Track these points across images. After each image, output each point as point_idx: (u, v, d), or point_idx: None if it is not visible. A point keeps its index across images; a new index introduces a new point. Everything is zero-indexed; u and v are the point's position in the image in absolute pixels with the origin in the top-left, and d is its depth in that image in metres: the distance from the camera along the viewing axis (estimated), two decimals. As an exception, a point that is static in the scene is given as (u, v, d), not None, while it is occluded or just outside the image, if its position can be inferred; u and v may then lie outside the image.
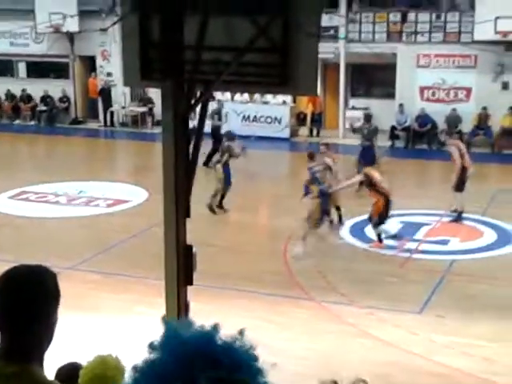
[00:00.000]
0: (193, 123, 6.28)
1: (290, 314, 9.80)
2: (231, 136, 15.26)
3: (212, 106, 18.30)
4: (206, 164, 16.93)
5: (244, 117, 24.42)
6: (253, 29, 5.65)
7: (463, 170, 14.03)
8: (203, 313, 7.37)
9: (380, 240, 12.60)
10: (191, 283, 6.18)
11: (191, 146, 6.14)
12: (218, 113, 19.98)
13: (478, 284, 10.93)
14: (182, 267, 6.07)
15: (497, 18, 20.30)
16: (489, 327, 9.31)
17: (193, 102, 6.06)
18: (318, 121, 24.55)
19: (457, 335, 9.07)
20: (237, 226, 14.03)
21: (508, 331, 9.19)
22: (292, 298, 10.38)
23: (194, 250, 6.19)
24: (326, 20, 23.00)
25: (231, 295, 10.37)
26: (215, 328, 1.68)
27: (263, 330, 8.75)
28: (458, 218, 14.04)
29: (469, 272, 11.45)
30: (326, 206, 12.45)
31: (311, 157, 13.08)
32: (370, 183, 12.63)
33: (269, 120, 24.21)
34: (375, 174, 12.69)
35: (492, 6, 20.62)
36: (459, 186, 14.02)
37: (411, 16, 23.04)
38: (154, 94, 23.36)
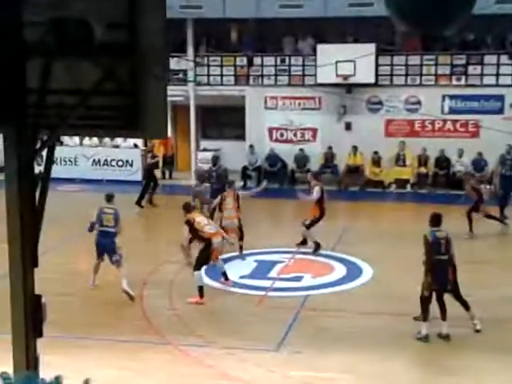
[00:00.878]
0: (39, 169, 6.05)
1: (149, 360, 9.60)
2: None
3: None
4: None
5: (94, 161, 23.99)
6: (99, 72, 5.56)
7: (322, 210, 14.61)
8: (55, 365, 7.05)
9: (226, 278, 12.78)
10: (41, 335, 5.89)
11: (37, 193, 5.91)
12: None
13: (331, 318, 11.22)
14: (29, 318, 5.78)
15: (337, 61, 21.34)
16: (343, 359, 9.57)
17: (38, 146, 5.85)
18: (170, 163, 24.56)
19: (313, 370, 9.24)
20: (90, 272, 13.61)
21: (360, 361, 9.48)
22: (150, 344, 10.17)
23: (43, 300, 5.91)
24: (174, 63, 23.27)
25: (86, 344, 10.01)
26: (58, 380, 1.59)
27: (120, 378, 8.50)
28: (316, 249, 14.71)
29: (322, 306, 11.75)
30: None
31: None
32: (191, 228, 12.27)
33: (120, 163, 23.94)
34: (197, 219, 12.37)
35: (332, 51, 21.70)
36: (312, 225, 14.56)
37: (257, 60, 23.75)
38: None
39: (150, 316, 11.24)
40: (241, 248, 14.58)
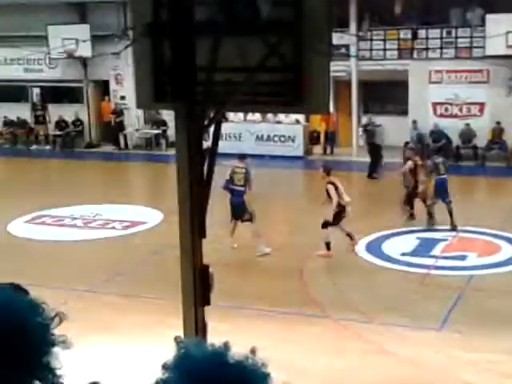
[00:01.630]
0: (206, 144, 6.30)
1: (308, 333, 9.75)
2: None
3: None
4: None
5: (258, 136, 24.49)
6: (264, 49, 5.68)
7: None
8: (220, 333, 7.37)
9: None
10: (208, 303, 6.18)
11: (205, 167, 6.16)
12: None
13: (498, 299, 10.82)
14: (198, 288, 6.08)
15: (508, 32, 20.30)
16: (510, 341, 9.22)
17: (206, 122, 6.09)
18: (331, 139, 24.56)
19: (477, 351, 8.99)
20: (255, 245, 13.98)
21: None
22: (311, 317, 10.33)
23: (210, 270, 6.19)
24: (336, 38, 23.07)
25: (249, 314, 10.35)
26: (226, 346, 1.68)
27: (280, 348, 8.72)
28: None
29: (488, 287, 11.37)
30: None
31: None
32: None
33: (282, 139, 24.26)
34: (338, 184, 13.01)
35: (503, 21, 20.65)
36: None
37: (422, 33, 23.07)
38: (168, 116, 23.53)
39: (310, 289, 11.40)
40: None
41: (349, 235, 13.20)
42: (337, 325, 10.03)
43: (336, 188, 12.85)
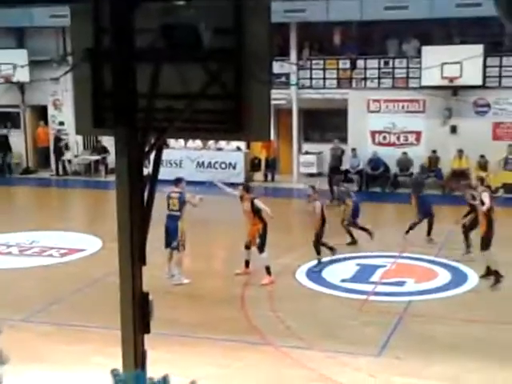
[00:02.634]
0: (147, 170, 6.27)
1: (249, 360, 9.71)
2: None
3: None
4: None
5: (198, 163, 24.50)
6: (205, 76, 5.71)
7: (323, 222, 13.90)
8: (160, 361, 7.28)
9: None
10: (148, 331, 6.10)
11: (146, 194, 6.12)
12: None
13: (435, 324, 11.01)
14: (138, 315, 6.00)
15: (443, 63, 20.90)
16: (447, 367, 9.36)
17: (147, 149, 6.07)
18: (272, 166, 24.75)
19: (415, 376, 9.10)
20: (194, 272, 13.91)
21: (464, 370, 9.25)
22: (251, 344, 10.30)
23: (150, 297, 6.12)
24: (277, 67, 23.42)
25: (189, 342, 10.25)
26: (165, 380, 1.67)
27: (221, 376, 8.65)
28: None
29: (426, 313, 11.55)
30: None
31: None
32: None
33: (223, 166, 24.33)
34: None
35: (438, 53, 21.26)
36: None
37: (360, 63, 23.57)
38: (108, 142, 23.35)
39: (251, 316, 11.37)
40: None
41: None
42: (277, 352, 10.02)
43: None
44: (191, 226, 13.92)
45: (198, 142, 24.66)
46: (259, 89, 5.80)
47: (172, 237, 12.94)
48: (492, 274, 12.82)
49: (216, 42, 5.68)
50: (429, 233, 15.84)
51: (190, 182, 17.43)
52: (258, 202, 13.19)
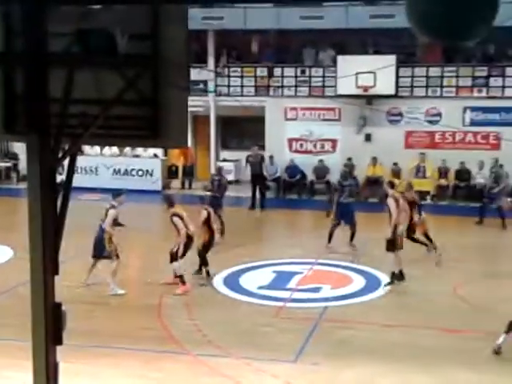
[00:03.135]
0: (61, 177, 6.11)
1: (166, 369, 9.61)
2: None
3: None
4: None
5: (115, 170, 24.14)
6: (121, 82, 5.62)
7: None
8: (74, 373, 7.10)
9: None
10: (60, 343, 5.93)
11: (59, 202, 5.97)
12: None
13: (350, 329, 11.17)
14: (50, 326, 5.83)
15: (357, 73, 21.34)
16: (361, 371, 9.51)
17: (60, 155, 5.92)
18: (189, 173, 24.65)
19: (331, 382, 9.20)
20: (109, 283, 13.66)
21: (378, 374, 9.41)
22: (168, 353, 10.18)
23: (63, 308, 5.96)
24: (195, 74, 23.39)
25: (104, 353, 10.04)
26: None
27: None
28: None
29: (341, 318, 11.71)
30: None
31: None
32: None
33: (140, 173, 24.07)
34: (184, 214, 13.10)
35: (353, 62, 21.70)
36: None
37: (277, 71, 23.81)
38: (19, 148, 22.70)
39: (168, 325, 11.25)
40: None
41: None
42: (195, 360, 9.94)
43: (181, 219, 12.87)
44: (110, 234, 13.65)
45: (115, 149, 24.32)
46: (176, 95, 5.76)
47: (100, 246, 12.83)
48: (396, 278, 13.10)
49: (132, 47, 5.60)
50: (351, 239, 16.06)
51: (105, 190, 17.22)
52: (177, 221, 12.94)
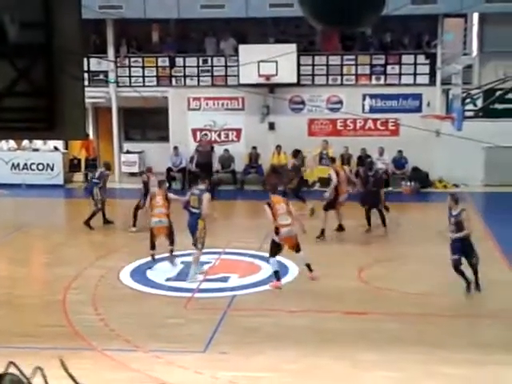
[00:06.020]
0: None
1: (73, 367, 9.37)
2: None
3: None
4: None
5: (13, 165, 23.38)
6: (13, 73, 5.41)
7: None
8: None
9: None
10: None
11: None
12: None
13: (258, 317, 11.25)
14: None
15: (259, 61, 21.44)
16: (269, 357, 9.60)
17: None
18: (92, 166, 24.14)
19: (240, 370, 9.25)
20: (11, 279, 13.26)
21: (285, 360, 9.52)
22: (74, 350, 9.95)
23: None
24: (94, 64, 22.92)
25: (8, 353, 9.69)
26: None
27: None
28: None
29: (248, 306, 11.78)
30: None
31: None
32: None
33: (40, 167, 23.40)
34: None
35: (254, 51, 21.78)
36: None
37: (179, 61, 23.62)
38: None
39: (73, 321, 11.01)
40: (171, 252, 14.17)
41: None
42: (103, 356, 9.77)
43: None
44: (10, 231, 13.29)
45: (12, 143, 23.55)
46: (72, 85, 5.59)
47: (192, 232, 13.00)
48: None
49: (24, 36, 5.40)
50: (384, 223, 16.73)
51: (3, 185, 16.70)
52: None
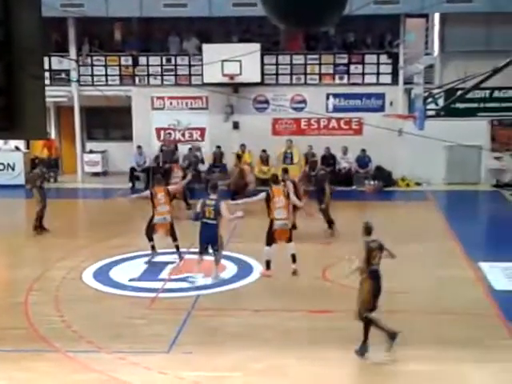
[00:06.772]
0: None
1: (34, 369, 9.27)
2: None
3: None
4: None
5: (-27, 165, 23.05)
6: (-30, 70, 5.32)
7: None
8: None
9: None
10: None
11: None
12: None
13: (222, 317, 11.23)
14: None
15: (223, 61, 21.42)
16: (233, 357, 9.58)
17: None
18: (54, 166, 23.90)
19: (204, 369, 9.21)
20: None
21: (249, 359, 9.52)
22: (36, 352, 9.83)
23: None
24: (56, 63, 22.67)
25: (-33, 357, 9.57)
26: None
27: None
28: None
29: (213, 306, 11.75)
30: None
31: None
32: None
33: (1, 167, 23.08)
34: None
35: (218, 50, 21.75)
36: None
37: (143, 60, 23.49)
38: None
39: (35, 323, 10.86)
40: (177, 248, 14.32)
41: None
42: (65, 358, 9.66)
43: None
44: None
45: (-27, 143, 23.19)
46: (31, 84, 5.52)
47: (212, 243, 12.80)
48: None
49: (-18, 33, 5.31)
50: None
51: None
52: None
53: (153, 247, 14.26)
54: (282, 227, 13.21)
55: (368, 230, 9.79)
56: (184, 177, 17.63)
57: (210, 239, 12.80)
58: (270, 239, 13.20)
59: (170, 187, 15.05)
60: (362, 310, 9.50)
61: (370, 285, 9.46)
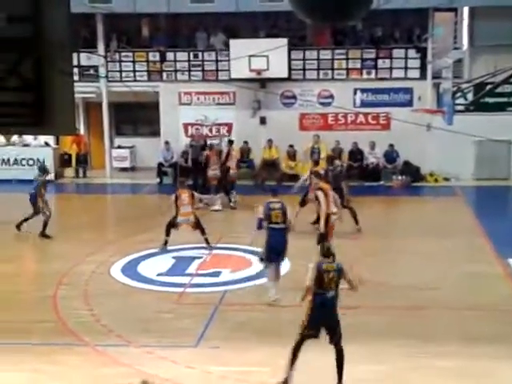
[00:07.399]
0: None
1: (63, 362, 9.38)
2: None
3: None
4: None
5: (4, 160, 23.29)
6: (1, 68, 5.38)
7: None
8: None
9: None
10: None
11: None
12: None
13: (249, 312, 11.26)
14: None
15: (250, 56, 21.40)
16: (260, 352, 9.60)
17: None
18: (83, 161, 24.10)
19: (231, 364, 9.24)
20: (1, 276, 13.21)
21: (278, 354, 9.51)
22: (65, 346, 9.94)
23: None
24: (85, 59, 22.84)
25: (1, 350, 9.71)
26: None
27: (35, 381, 8.28)
28: None
29: (240, 301, 11.78)
30: None
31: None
32: None
33: (31, 162, 23.30)
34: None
35: (245, 46, 21.73)
36: None
37: (170, 55, 23.56)
38: None
39: (64, 317, 10.98)
40: (207, 241, 14.62)
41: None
42: (94, 352, 9.76)
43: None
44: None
45: (2, 138, 23.44)
46: (61, 80, 5.55)
47: (284, 251, 11.62)
48: None
49: (11, 30, 5.36)
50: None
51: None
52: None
53: (166, 242, 14.49)
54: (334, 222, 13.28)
55: (326, 252, 8.88)
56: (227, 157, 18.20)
57: (279, 245, 11.55)
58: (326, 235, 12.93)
59: (196, 194, 15.19)
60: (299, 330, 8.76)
61: (309, 309, 8.81)
